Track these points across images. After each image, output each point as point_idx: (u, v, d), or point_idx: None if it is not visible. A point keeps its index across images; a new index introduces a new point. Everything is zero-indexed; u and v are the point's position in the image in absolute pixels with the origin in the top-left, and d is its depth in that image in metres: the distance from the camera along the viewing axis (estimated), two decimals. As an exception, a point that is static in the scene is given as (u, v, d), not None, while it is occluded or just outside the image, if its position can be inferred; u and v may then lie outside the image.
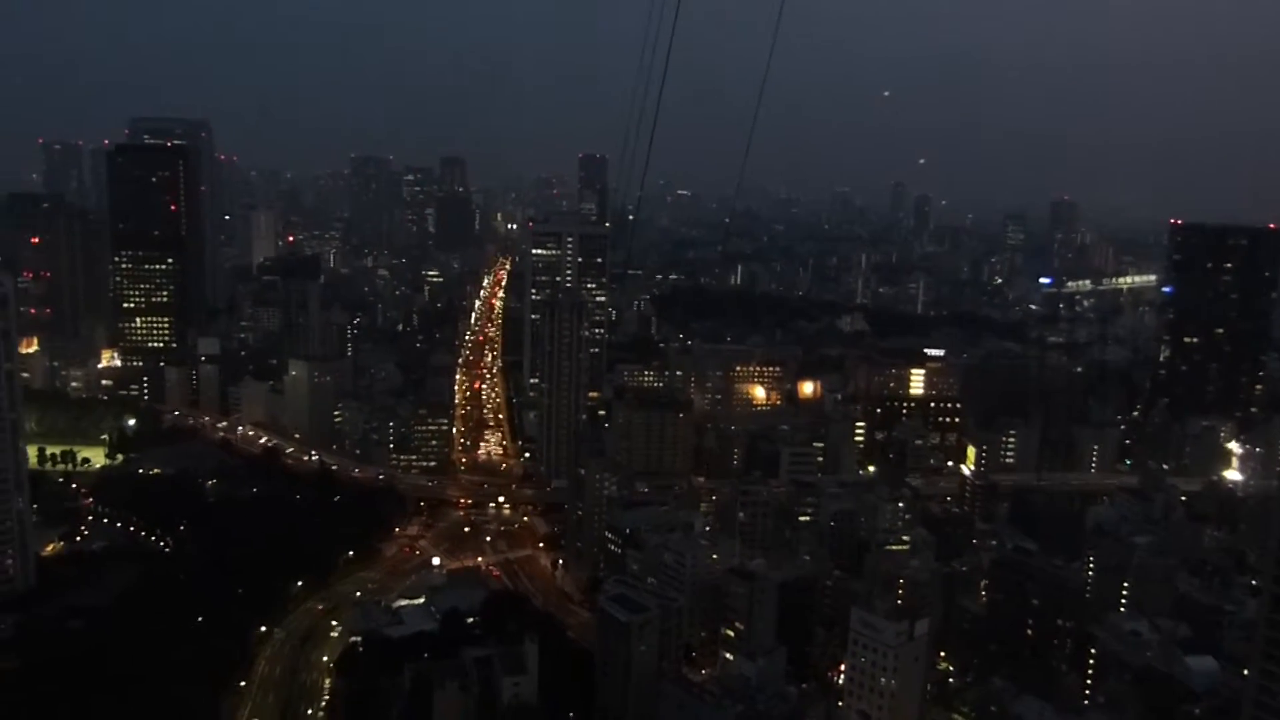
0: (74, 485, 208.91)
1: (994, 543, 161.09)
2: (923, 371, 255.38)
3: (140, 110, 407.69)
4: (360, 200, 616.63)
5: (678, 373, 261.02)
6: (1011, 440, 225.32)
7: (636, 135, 73.80)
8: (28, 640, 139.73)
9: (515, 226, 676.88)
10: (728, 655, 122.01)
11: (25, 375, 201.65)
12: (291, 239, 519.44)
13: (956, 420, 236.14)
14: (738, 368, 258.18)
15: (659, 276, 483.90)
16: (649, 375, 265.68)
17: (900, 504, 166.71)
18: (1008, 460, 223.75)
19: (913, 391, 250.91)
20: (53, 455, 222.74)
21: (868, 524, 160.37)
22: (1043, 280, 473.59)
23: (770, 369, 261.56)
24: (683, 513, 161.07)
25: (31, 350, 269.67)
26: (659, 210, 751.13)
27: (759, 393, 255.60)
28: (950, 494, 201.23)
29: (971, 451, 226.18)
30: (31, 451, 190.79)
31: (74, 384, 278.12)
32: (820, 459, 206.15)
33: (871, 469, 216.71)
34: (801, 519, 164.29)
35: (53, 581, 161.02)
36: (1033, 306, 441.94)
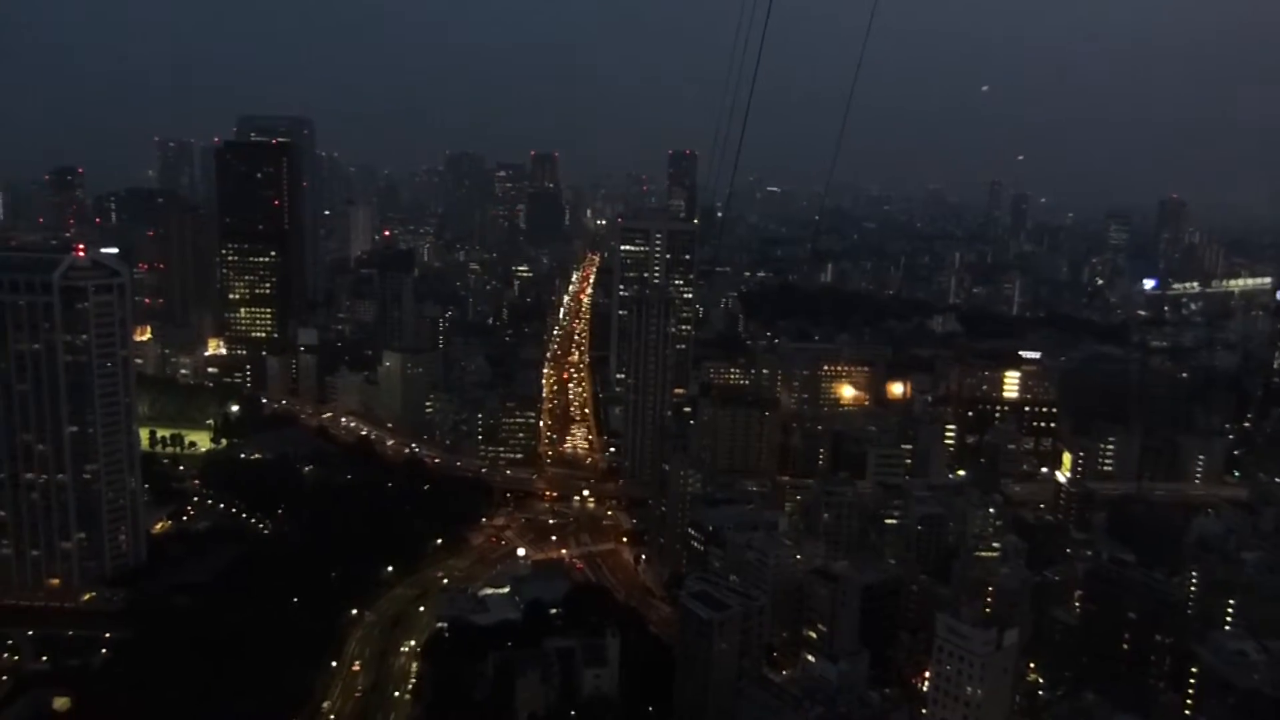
0: (181, 467, 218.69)
1: (1089, 553, 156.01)
2: (1017, 374, 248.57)
3: (248, 109, 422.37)
4: (454, 196, 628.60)
5: (764, 371, 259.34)
6: (1110, 447, 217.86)
7: (727, 131, 73.94)
8: (138, 613, 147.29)
9: (604, 222, 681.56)
10: (809, 657, 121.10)
11: (139, 362, 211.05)
12: (388, 234, 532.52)
13: (1052, 425, 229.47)
14: (825, 367, 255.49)
15: (747, 274, 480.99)
16: (735, 373, 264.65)
17: (991, 509, 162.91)
18: (1106, 468, 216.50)
19: (1006, 394, 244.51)
20: (163, 438, 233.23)
21: (956, 529, 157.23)
22: (1147, 282, 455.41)
23: (858, 368, 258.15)
24: (766, 512, 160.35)
25: (145, 338, 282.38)
26: (748, 207, 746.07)
27: (846, 392, 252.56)
28: (1044, 501, 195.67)
29: (1067, 458, 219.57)
30: (144, 434, 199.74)
31: (183, 371, 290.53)
32: (908, 461, 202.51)
33: (961, 473, 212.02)
34: (887, 522, 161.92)
35: (161, 558, 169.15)
36: (1140, 311, 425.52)
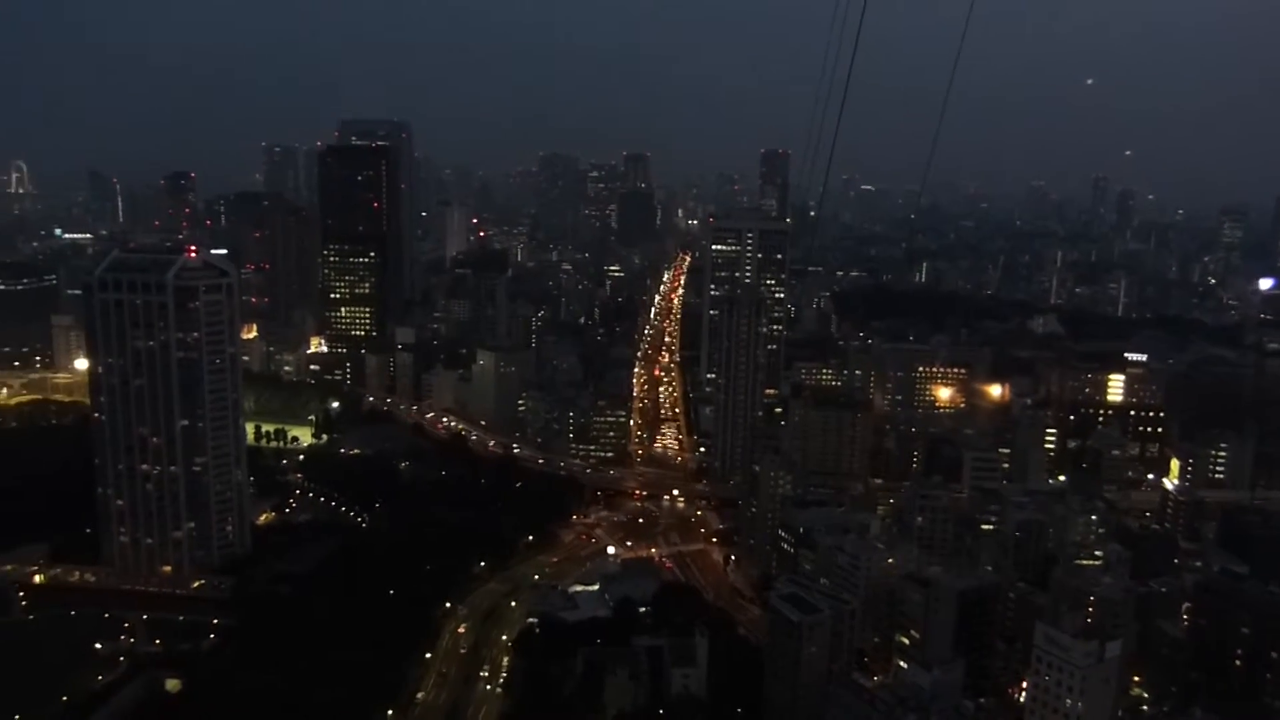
0: (284, 461, 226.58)
1: (1199, 564, 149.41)
2: (1122, 377, 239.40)
3: (350, 113, 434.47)
4: (547, 197, 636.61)
5: (857, 372, 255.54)
6: (1222, 454, 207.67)
7: (820, 130, 73.14)
8: (244, 600, 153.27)
9: (695, 222, 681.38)
10: (901, 663, 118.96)
11: (245, 359, 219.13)
12: (482, 234, 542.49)
13: (1159, 430, 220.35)
14: (920, 368, 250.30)
15: (840, 273, 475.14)
16: (827, 374, 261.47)
17: (1093, 517, 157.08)
18: (1217, 475, 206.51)
19: (1110, 398, 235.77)
20: (267, 433, 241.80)
21: (1056, 536, 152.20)
22: (1264, 281, 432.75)
23: (955, 370, 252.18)
24: (859, 514, 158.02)
25: (251, 336, 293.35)
26: (841, 206, 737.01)
27: (942, 394, 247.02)
28: (1150, 509, 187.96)
29: (1175, 464, 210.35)
30: (249, 429, 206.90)
31: (286, 368, 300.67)
32: (1006, 465, 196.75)
33: (1062, 478, 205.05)
34: (984, 527, 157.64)
35: (265, 548, 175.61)
36: (1257, 312, 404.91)
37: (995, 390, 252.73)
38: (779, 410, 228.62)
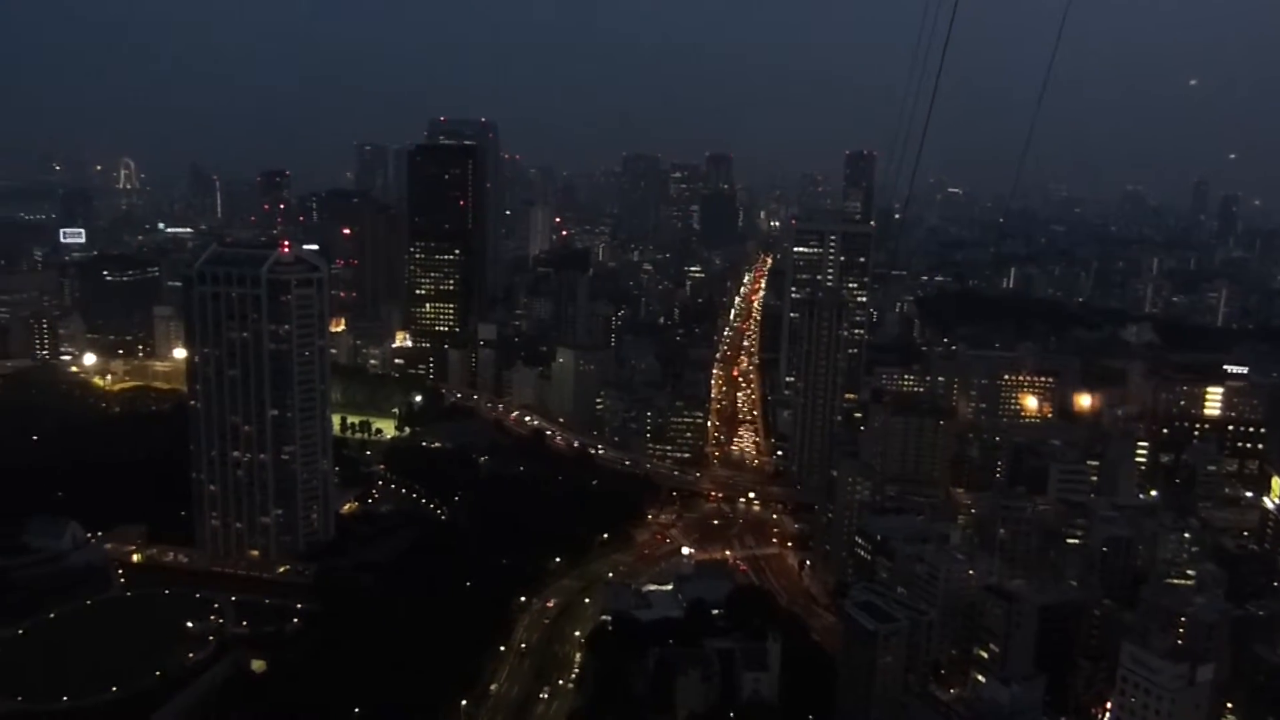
0: (368, 452, 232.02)
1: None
2: (1221, 390, 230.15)
3: (439, 113, 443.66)
4: (629, 197, 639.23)
5: (940, 378, 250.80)
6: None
7: (907, 131, 72.01)
8: (327, 587, 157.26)
9: (778, 224, 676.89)
10: (979, 677, 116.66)
11: (333, 352, 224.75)
12: (565, 233, 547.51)
13: (1259, 447, 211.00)
14: (1006, 376, 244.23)
15: (924, 278, 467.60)
16: (909, 379, 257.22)
17: (1186, 534, 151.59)
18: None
19: (1207, 411, 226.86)
20: (352, 425, 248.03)
21: (1146, 553, 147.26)
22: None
23: (1042, 379, 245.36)
24: (938, 523, 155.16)
25: (339, 329, 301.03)
26: (927, 209, 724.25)
27: (1029, 403, 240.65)
28: (1248, 528, 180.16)
29: (1276, 483, 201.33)
30: (336, 420, 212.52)
31: (372, 361, 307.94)
32: (1094, 478, 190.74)
33: (1154, 493, 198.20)
34: (1069, 541, 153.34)
35: (348, 537, 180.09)
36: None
37: (1085, 400, 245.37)
38: (858, 415, 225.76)
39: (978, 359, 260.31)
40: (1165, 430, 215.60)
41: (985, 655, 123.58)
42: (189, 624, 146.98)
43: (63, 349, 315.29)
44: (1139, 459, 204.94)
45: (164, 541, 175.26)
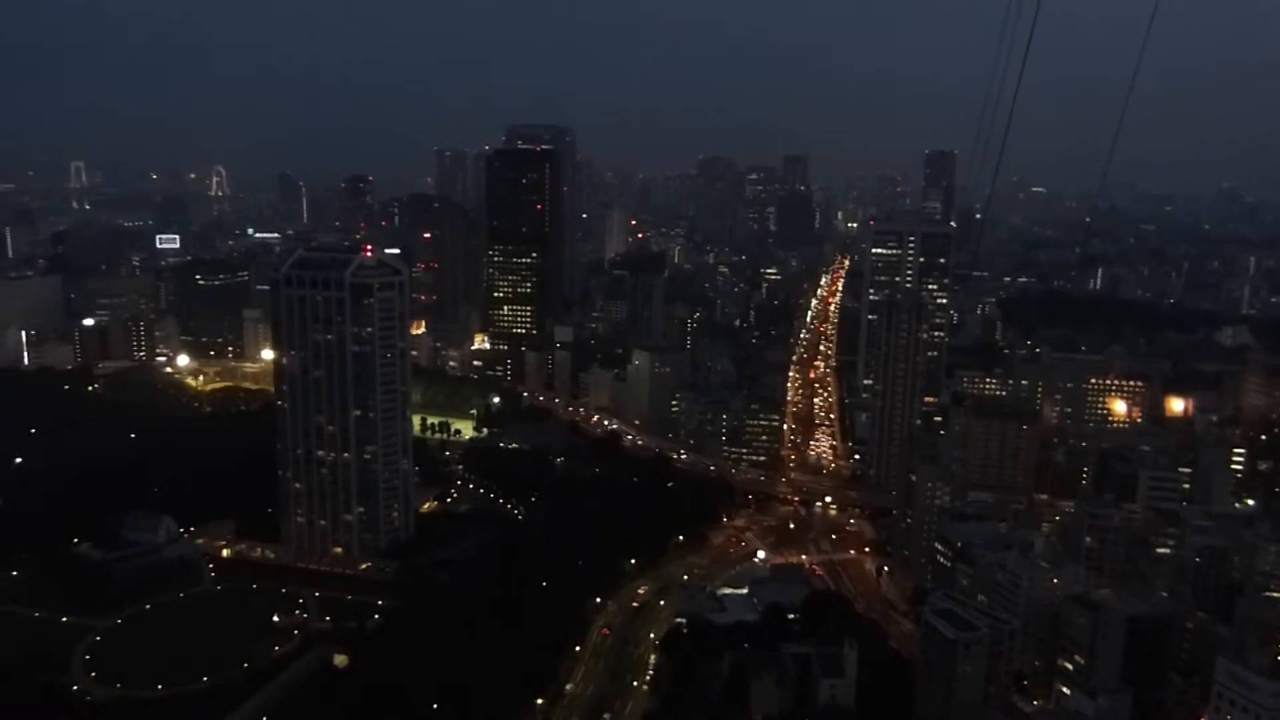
0: (447, 453, 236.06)
1: None
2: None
3: (518, 117, 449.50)
4: (705, 199, 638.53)
5: (1023, 381, 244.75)
6: None
7: (989, 129, 70.70)
8: (407, 584, 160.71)
9: (855, 225, 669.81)
10: (1064, 689, 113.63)
11: (413, 354, 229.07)
12: (641, 236, 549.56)
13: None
14: (1093, 379, 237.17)
15: (1007, 279, 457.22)
16: (991, 383, 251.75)
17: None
18: None
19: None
20: (432, 425, 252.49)
21: (1243, 564, 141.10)
22: None
23: (1131, 383, 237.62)
24: (1021, 530, 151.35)
25: (419, 332, 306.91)
26: (1010, 208, 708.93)
27: (1117, 408, 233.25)
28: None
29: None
30: (416, 421, 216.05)
31: (451, 363, 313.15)
32: (1186, 486, 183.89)
33: (1250, 502, 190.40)
34: (1159, 550, 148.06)
35: (428, 535, 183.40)
36: None
37: (1177, 405, 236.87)
38: (938, 419, 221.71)
39: (1063, 362, 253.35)
40: (1263, 436, 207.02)
41: (1070, 667, 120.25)
42: (275, 618, 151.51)
43: (158, 350, 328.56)
44: (1235, 466, 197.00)
45: (252, 537, 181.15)
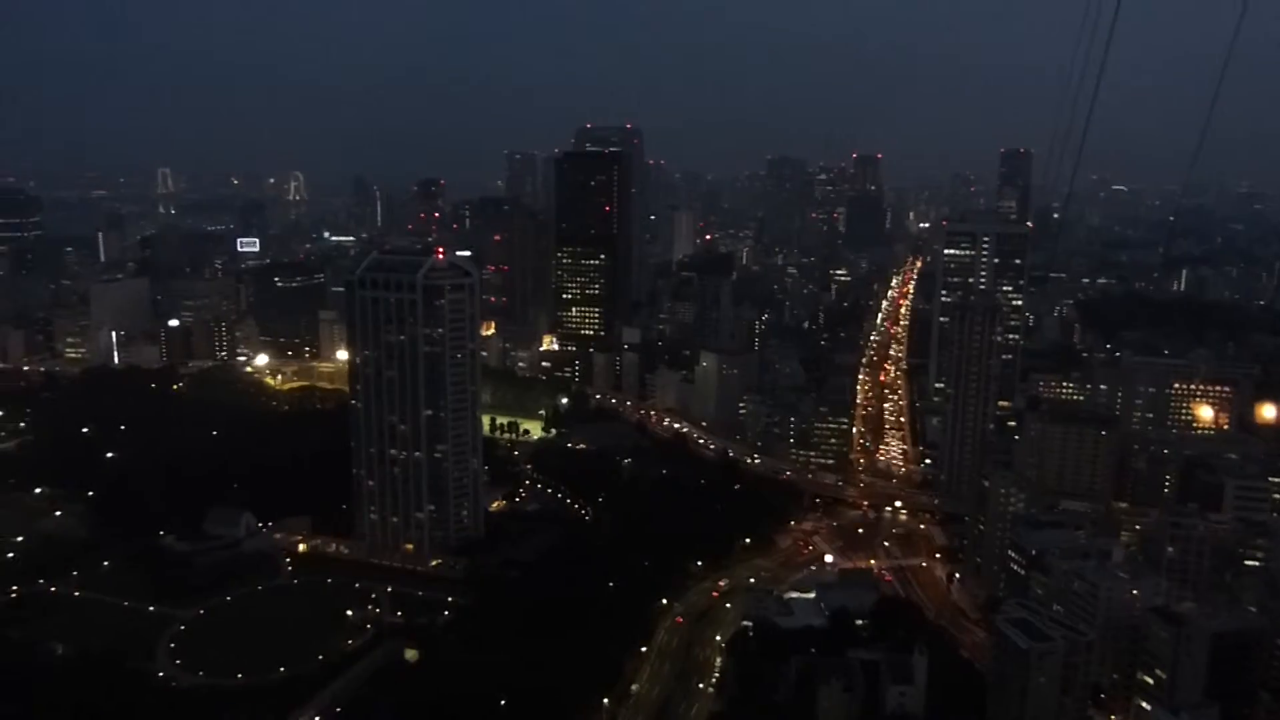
0: (516, 453, 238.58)
1: None
2: None
3: (588, 120, 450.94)
4: (774, 200, 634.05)
5: (1102, 386, 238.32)
6: None
7: (1068, 125, 69.15)
8: (476, 582, 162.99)
9: (927, 225, 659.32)
10: (1144, 704, 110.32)
11: (483, 354, 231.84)
12: (709, 237, 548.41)
13: None
14: (1176, 384, 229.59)
15: (1085, 280, 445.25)
16: (1068, 387, 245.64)
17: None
18: None
19: None
20: (501, 425, 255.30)
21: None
22: None
23: (1217, 388, 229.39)
24: (1099, 539, 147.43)
25: (489, 333, 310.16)
26: (1089, 207, 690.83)
27: (1202, 414, 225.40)
28: None
29: None
30: (485, 421, 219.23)
31: (520, 364, 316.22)
32: (1277, 496, 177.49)
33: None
34: (1248, 563, 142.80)
35: (497, 534, 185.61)
36: None
37: (1268, 411, 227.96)
38: (1013, 424, 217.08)
39: (1145, 366, 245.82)
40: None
41: (1150, 681, 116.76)
42: (348, 612, 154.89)
43: (239, 350, 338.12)
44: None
45: (326, 533, 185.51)
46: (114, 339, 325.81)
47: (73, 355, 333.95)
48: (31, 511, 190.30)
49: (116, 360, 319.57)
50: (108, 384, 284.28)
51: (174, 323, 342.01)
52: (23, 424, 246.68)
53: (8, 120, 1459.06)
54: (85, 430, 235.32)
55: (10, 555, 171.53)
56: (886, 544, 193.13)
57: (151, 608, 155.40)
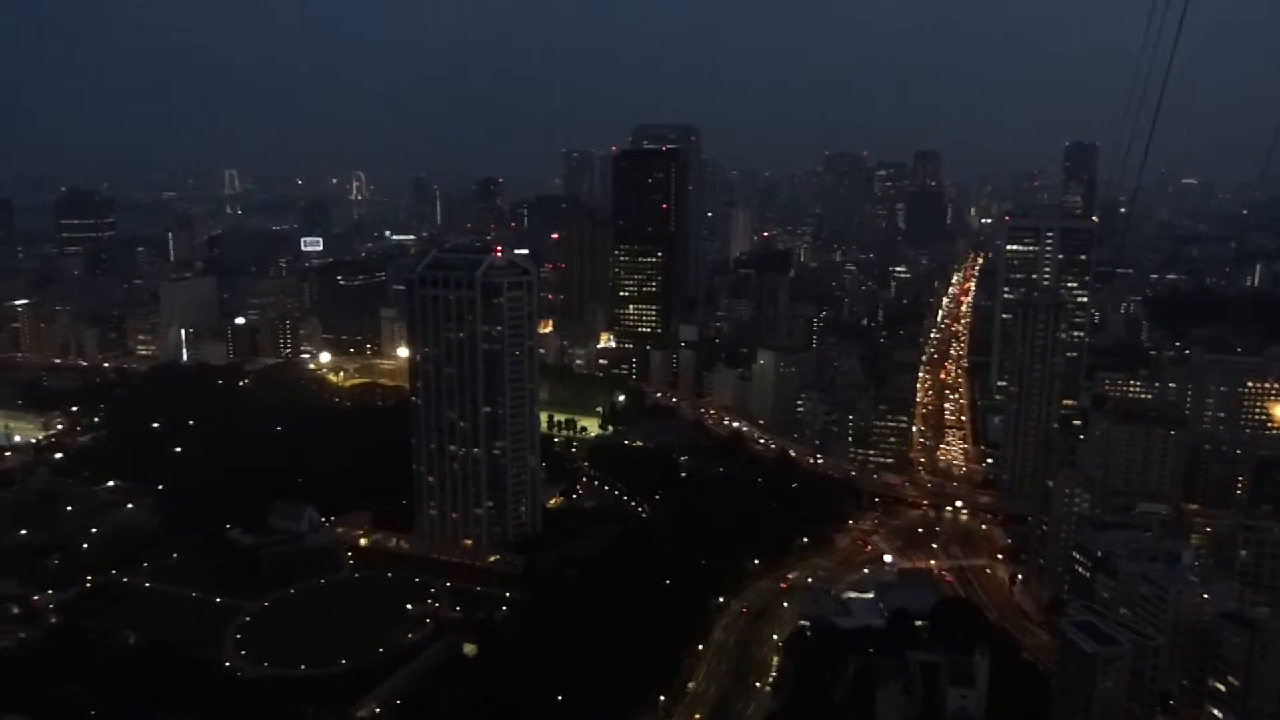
0: (573, 449, 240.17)
1: None
2: None
3: (645, 117, 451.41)
4: (832, 196, 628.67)
5: (1171, 384, 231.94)
6: None
7: (1136, 120, 67.39)
8: (534, 578, 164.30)
9: (989, 221, 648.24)
10: (1215, 712, 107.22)
11: (541, 352, 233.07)
12: (766, 234, 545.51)
13: None
14: (1249, 383, 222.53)
15: (1154, 276, 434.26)
16: (1135, 385, 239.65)
17: None
18: None
19: None
20: (558, 422, 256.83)
21: None
22: None
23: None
24: (1168, 541, 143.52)
25: (547, 330, 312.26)
26: (1158, 202, 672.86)
27: (1278, 413, 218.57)
28: None
29: None
30: (543, 418, 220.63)
31: (577, 361, 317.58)
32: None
33: None
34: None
35: (554, 530, 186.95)
36: None
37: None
38: (1077, 422, 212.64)
39: (1216, 364, 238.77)
40: None
41: (1222, 688, 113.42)
42: (408, 606, 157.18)
43: (302, 347, 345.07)
44: None
45: (387, 528, 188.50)
46: (183, 336, 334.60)
47: (144, 352, 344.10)
48: (105, 504, 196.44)
49: (185, 357, 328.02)
50: (177, 380, 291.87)
51: (240, 321, 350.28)
52: (96, 419, 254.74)
53: (83, 124, 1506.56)
54: (155, 425, 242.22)
55: (85, 546, 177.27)
56: (947, 544, 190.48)
57: (218, 599, 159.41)
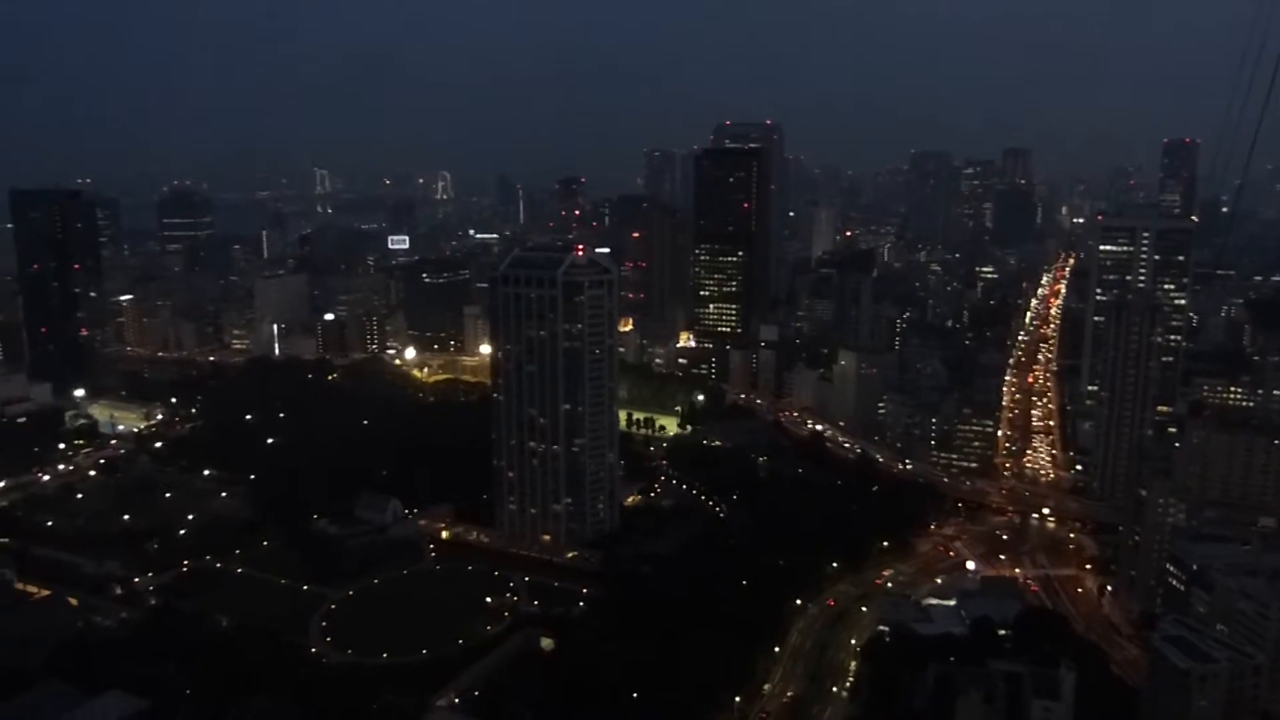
0: (651, 448, 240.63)
1: None
2: None
3: (730, 116, 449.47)
4: (917, 195, 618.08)
5: (1275, 391, 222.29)
6: None
7: (1240, 115, 64.76)
8: (611, 575, 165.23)
9: (1081, 220, 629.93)
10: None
11: (621, 350, 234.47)
12: (849, 234, 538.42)
13: None
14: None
15: (1258, 278, 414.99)
16: (1237, 392, 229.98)
17: None
18: None
19: None
20: (637, 420, 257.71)
21: None
22: None
23: None
24: (1269, 555, 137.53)
25: (627, 329, 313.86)
26: (1263, 200, 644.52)
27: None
28: None
29: None
30: (622, 416, 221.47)
31: (657, 360, 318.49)
32: None
33: None
34: None
35: (631, 528, 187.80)
36: None
37: None
38: (1173, 430, 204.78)
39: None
40: None
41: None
42: (488, 599, 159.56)
43: (388, 344, 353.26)
44: None
45: (468, 521, 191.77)
46: (275, 331, 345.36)
47: (238, 346, 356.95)
48: (201, 492, 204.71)
49: (277, 351, 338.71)
50: (269, 374, 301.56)
51: (329, 317, 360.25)
52: (194, 410, 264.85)
53: (186, 126, 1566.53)
54: (248, 417, 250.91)
55: (182, 532, 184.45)
56: (1033, 552, 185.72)
57: (305, 586, 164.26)
